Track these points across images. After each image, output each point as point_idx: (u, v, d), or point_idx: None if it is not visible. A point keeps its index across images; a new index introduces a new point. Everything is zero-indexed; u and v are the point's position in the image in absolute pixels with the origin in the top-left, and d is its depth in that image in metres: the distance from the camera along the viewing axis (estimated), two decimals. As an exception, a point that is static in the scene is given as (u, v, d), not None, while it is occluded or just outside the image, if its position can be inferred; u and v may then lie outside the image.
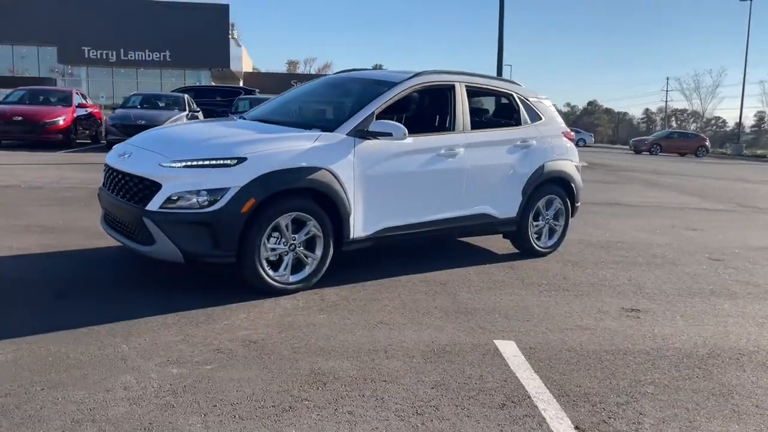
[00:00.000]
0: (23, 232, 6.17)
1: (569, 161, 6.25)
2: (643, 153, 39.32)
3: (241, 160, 4.31)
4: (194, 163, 4.31)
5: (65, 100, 17.82)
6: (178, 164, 4.32)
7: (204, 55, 46.07)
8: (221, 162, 4.30)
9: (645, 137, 45.09)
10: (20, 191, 8.83)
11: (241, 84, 51.27)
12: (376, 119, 4.96)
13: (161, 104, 18.85)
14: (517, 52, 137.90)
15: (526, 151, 5.90)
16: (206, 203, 4.21)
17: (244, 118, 5.74)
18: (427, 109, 6.26)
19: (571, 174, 6.24)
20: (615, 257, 6.46)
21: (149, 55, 46.09)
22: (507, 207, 5.82)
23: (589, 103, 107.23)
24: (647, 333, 4.25)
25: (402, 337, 3.90)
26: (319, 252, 4.69)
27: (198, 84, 38.83)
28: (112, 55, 46.06)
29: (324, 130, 4.81)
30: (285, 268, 4.57)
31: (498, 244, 6.60)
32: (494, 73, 22.42)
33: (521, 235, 6.08)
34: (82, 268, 5.09)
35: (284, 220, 4.47)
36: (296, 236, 4.58)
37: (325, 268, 4.75)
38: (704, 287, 5.49)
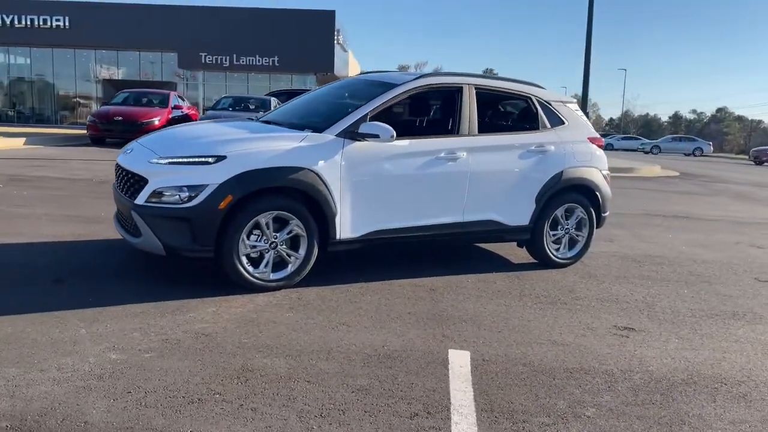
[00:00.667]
0: (64, 221, 6.66)
1: (594, 169, 5.93)
2: (765, 164, 36.41)
3: (220, 158, 4.44)
4: (178, 160, 4.48)
5: (163, 102, 19.04)
6: (164, 161, 4.51)
7: (310, 60, 47.45)
8: (202, 159, 4.44)
9: (767, 147, 41.68)
10: (88, 184, 9.52)
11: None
12: (372, 121, 4.94)
13: (251, 106, 19.61)
14: (637, 55, 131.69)
15: (542, 157, 5.66)
16: (186, 199, 4.36)
17: (259, 120, 5.89)
18: (431, 111, 6.16)
19: (597, 182, 5.92)
20: (644, 272, 6.05)
21: (259, 60, 48.05)
22: (517, 214, 5.61)
23: (719, 110, 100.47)
24: (626, 353, 3.96)
25: (354, 340, 3.86)
26: (302, 251, 4.74)
27: (305, 88, 40.06)
28: (225, 61, 48.45)
29: (315, 131, 4.86)
30: (266, 266, 4.65)
31: (517, 252, 6.36)
32: (585, 79, 21.57)
33: (536, 245, 5.84)
34: (92, 256, 5.42)
35: (264, 218, 4.55)
36: (278, 235, 4.65)
37: (308, 268, 4.79)
38: (727, 309, 5.04)
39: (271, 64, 48.72)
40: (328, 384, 3.26)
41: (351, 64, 59.78)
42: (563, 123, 5.90)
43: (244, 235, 4.51)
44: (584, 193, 5.99)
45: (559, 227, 5.91)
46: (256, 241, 4.60)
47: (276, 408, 2.98)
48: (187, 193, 4.37)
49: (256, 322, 4.07)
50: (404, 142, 5.06)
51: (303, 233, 4.71)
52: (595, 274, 5.84)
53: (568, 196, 5.86)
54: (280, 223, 4.67)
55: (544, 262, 5.91)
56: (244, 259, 4.56)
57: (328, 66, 48.98)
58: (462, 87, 5.47)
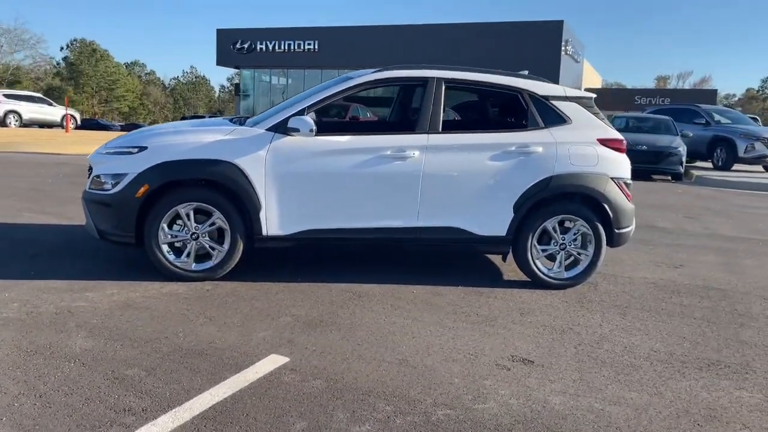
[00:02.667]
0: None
1: (601, 175, 5.00)
2: None
3: (142, 149, 4.66)
4: (113, 150, 4.80)
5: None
6: (104, 151, 4.86)
7: (533, 72, 46.27)
8: (127, 150, 4.70)
9: None
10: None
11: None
12: (318, 115, 4.81)
13: (646, 126, 17.45)
14: None
15: (524, 160, 4.93)
16: (111, 186, 4.66)
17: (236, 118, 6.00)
18: (390, 107, 5.69)
19: (604, 191, 4.98)
20: (661, 305, 4.92)
21: (482, 74, 48.38)
22: (489, 224, 4.96)
23: None
24: (470, 385, 3.31)
25: (194, 334, 3.80)
26: (226, 245, 4.75)
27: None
28: (450, 75, 49.62)
29: (253, 125, 4.85)
30: (188, 256, 4.74)
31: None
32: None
33: (519, 260, 5.11)
34: (85, 238, 5.96)
35: (184, 209, 4.66)
36: (200, 226, 4.72)
37: (232, 262, 4.78)
38: (711, 356, 3.91)
39: (492, 78, 48.80)
40: (86, 362, 3.30)
41: (589, 76, 57.16)
42: (564, 121, 5.07)
43: (164, 224, 4.66)
44: (585, 203, 5.08)
45: (553, 242, 5.08)
46: (179, 231, 4.71)
47: (11, 384, 3.05)
48: (111, 181, 4.66)
49: (134, 307, 4.19)
50: (343, 138, 4.80)
51: (226, 226, 4.72)
52: (589, 300, 4.91)
53: (561, 206, 5.02)
54: (206, 215, 4.72)
55: (534, 281, 5.14)
56: (165, 248, 4.71)
57: (552, 78, 47.25)
58: (427, 80, 5.01)
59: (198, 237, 4.74)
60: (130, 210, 4.61)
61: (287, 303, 4.42)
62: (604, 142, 5.08)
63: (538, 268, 5.08)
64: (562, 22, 46.74)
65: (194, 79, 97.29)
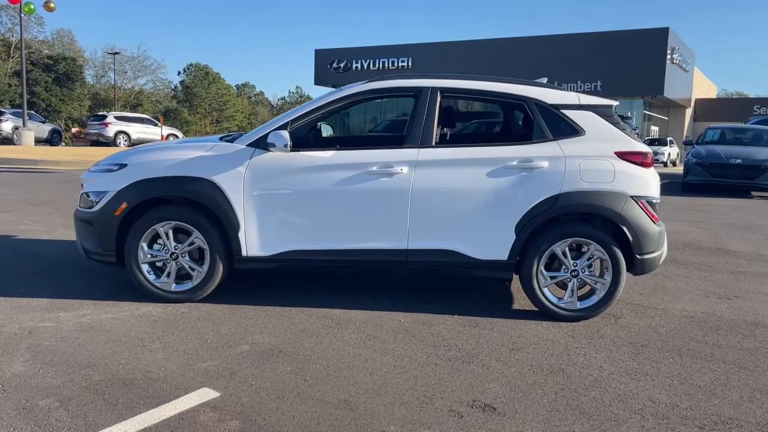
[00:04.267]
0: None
1: (618, 193, 4.40)
2: None
3: (122, 166, 4.57)
4: (99, 168, 4.75)
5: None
6: (95, 168, 4.82)
7: (637, 82, 44.22)
8: (109, 167, 4.64)
9: None
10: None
11: (688, 114, 47.64)
12: (303, 130, 4.59)
13: (745, 138, 15.96)
14: None
15: (526, 176, 4.43)
16: (93, 204, 4.61)
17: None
18: (380, 120, 5.25)
19: (620, 211, 4.38)
20: (688, 345, 4.23)
21: (581, 86, 46.44)
22: (487, 246, 4.48)
23: None
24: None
25: (136, 359, 3.62)
26: (205, 266, 4.57)
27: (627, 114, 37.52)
28: (547, 88, 48.18)
29: (232, 140, 4.67)
30: (167, 276, 4.60)
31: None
32: None
33: (525, 287, 4.59)
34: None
35: (163, 228, 4.53)
36: (180, 246, 4.56)
37: (213, 283, 4.59)
38: (724, 411, 3.26)
39: (593, 89, 46.73)
40: (12, 395, 3.12)
41: (701, 86, 53.81)
42: (577, 132, 4.52)
43: (143, 243, 4.54)
44: (600, 225, 4.50)
45: (563, 268, 4.52)
46: (158, 250, 4.58)
47: (-76, 407, 2.96)
48: (93, 199, 4.60)
49: (96, 329, 4.08)
50: (325, 154, 4.51)
51: (205, 246, 4.53)
52: (601, 336, 4.30)
53: (571, 229, 4.47)
54: (187, 235, 4.57)
55: (542, 312, 4.59)
56: (146, 267, 4.59)
57: (657, 88, 44.90)
58: (420, 90, 4.63)
59: (177, 257, 4.57)
60: (110, 228, 4.53)
61: (255, 329, 4.15)
62: (624, 156, 4.47)
63: (546, 297, 4.53)
64: (667, 29, 44.28)
65: (299, 99, 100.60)
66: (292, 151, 4.46)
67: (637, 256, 4.45)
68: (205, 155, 4.53)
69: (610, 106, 4.66)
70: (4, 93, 50.94)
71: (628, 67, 43.69)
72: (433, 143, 4.53)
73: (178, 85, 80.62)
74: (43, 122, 30.47)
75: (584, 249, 4.53)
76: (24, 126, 26.09)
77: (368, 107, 39.59)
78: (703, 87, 55.89)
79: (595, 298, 4.53)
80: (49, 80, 53.66)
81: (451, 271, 4.65)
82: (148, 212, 4.52)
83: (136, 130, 29.67)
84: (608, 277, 4.48)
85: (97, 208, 4.57)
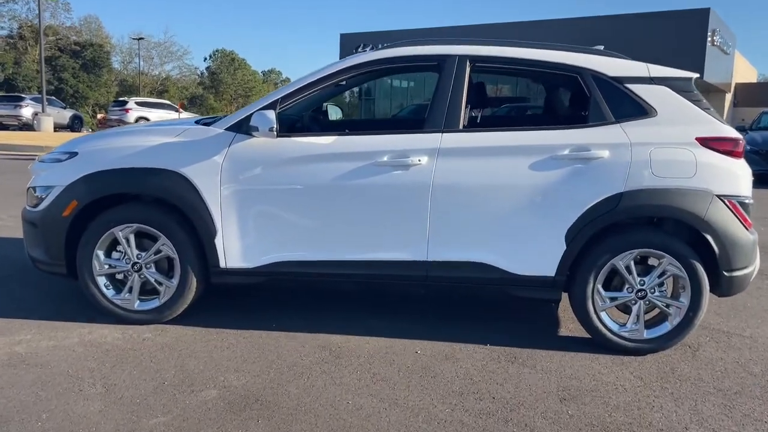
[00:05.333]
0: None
1: (701, 192, 3.38)
2: None
3: (72, 155, 3.69)
4: (50, 157, 3.88)
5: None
6: (45, 157, 3.95)
7: (676, 66, 42.19)
8: (57, 157, 3.76)
9: None
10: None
11: (728, 99, 45.67)
12: (285, 110, 3.63)
13: None
14: None
15: (580, 169, 3.43)
16: (37, 201, 3.74)
17: None
18: (394, 98, 4.25)
19: (704, 215, 3.36)
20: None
21: (616, 70, 44.92)
22: (529, 258, 3.51)
23: None
24: None
25: (62, 413, 2.75)
26: (175, 280, 3.67)
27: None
28: (581, 73, 46.48)
29: (209, 123, 3.74)
30: (130, 292, 3.71)
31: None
32: None
33: (577, 311, 3.60)
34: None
35: (123, 233, 3.65)
36: (144, 254, 3.67)
37: (185, 301, 3.70)
38: None
39: (628, 73, 44.91)
40: None
41: (742, 70, 51.51)
42: (646, 113, 3.50)
43: (99, 251, 3.67)
44: (676, 233, 3.50)
45: (626, 287, 3.53)
46: (118, 260, 3.69)
47: None
48: (39, 195, 3.74)
49: (29, 363, 3.23)
50: (324, 140, 3.57)
51: (174, 255, 3.63)
52: (678, 377, 3.30)
53: (638, 237, 3.47)
54: (154, 241, 3.68)
55: (597, 341, 3.61)
56: (102, 281, 3.71)
57: (696, 71, 42.88)
58: (445, 60, 3.64)
59: (141, 268, 3.68)
60: (57, 232, 3.66)
61: (230, 364, 3.24)
62: (708, 143, 3.44)
63: (604, 324, 3.54)
64: (708, 10, 42.31)
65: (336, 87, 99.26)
66: (281, 136, 3.53)
67: (725, 273, 3.42)
68: (173, 142, 3.62)
69: (689, 79, 3.63)
70: (32, 79, 50.90)
71: (666, 49, 41.68)
72: (461, 127, 3.55)
73: (204, 71, 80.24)
74: (64, 108, 30.00)
75: (654, 263, 3.53)
76: (43, 111, 25.57)
77: (396, 91, 38.44)
78: (743, 71, 53.57)
79: (667, 326, 3.53)
80: (76, 66, 53.55)
81: (481, 289, 3.66)
82: (104, 213, 3.63)
83: (157, 116, 28.98)
84: (685, 298, 3.47)
85: (42, 206, 3.70)
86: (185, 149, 3.59)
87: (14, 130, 25.26)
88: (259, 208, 3.57)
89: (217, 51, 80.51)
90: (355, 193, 3.52)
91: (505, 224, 3.48)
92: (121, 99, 31.65)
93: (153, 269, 3.70)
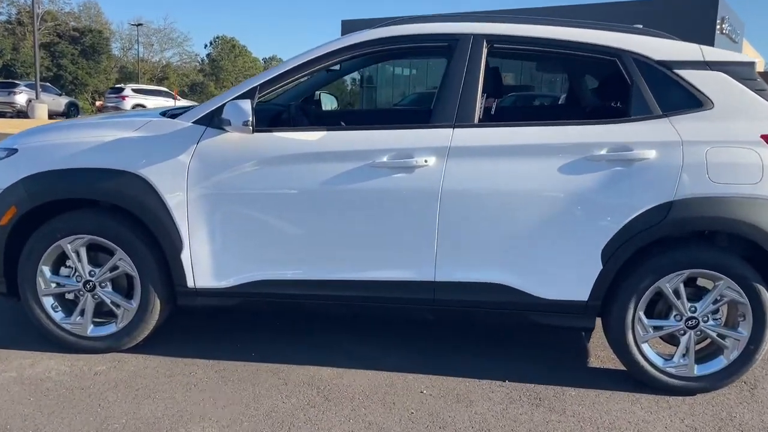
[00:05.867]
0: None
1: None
2: None
3: (11, 152, 3.10)
4: (-12, 155, 3.27)
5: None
6: None
7: (683, 55, 41.57)
8: (-4, 155, 3.16)
9: None
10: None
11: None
12: (265, 99, 3.03)
13: None
14: None
15: (621, 172, 2.83)
16: (-27, 208, 3.14)
17: None
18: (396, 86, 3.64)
19: (774, 230, 2.77)
20: None
21: (623, 58, 44.12)
22: (558, 280, 2.92)
23: None
24: None
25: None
26: (135, 301, 3.09)
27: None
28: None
29: (175, 115, 3.14)
30: (82, 315, 3.14)
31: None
32: None
33: (613, 341, 3.02)
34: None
35: (72, 245, 3.06)
36: (98, 271, 3.08)
37: (148, 326, 3.13)
38: None
39: (636, 62, 44.10)
40: None
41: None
42: (700, 105, 2.89)
43: (44, 267, 3.09)
44: (736, 249, 2.90)
45: (673, 314, 2.93)
46: (67, 277, 3.11)
47: None
48: (-26, 200, 3.13)
49: (-49, 406, 2.61)
50: (309, 135, 2.97)
51: (134, 273, 3.05)
52: (740, 424, 2.72)
53: (689, 254, 2.87)
54: (110, 254, 3.09)
55: (638, 378, 3.02)
56: (49, 301, 3.14)
57: (704, 63, 42.11)
58: (457, 40, 3.02)
59: (95, 287, 3.10)
60: (-6, 244, 3.06)
61: (196, 410, 2.66)
62: (777, 142, 2.83)
63: (646, 357, 2.96)
64: (718, -4, 41.48)
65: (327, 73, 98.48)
66: (259, 130, 2.93)
67: (797, 300, 2.83)
68: (131, 137, 3.02)
69: (752, 64, 3.02)
70: (31, 65, 50.19)
71: (673, 36, 41.02)
72: (475, 121, 2.95)
73: (205, 58, 79.46)
74: (60, 95, 29.34)
75: (707, 286, 2.94)
76: (37, 98, 24.93)
77: (398, 79, 37.65)
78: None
79: (722, 361, 2.94)
80: (75, 53, 52.84)
81: (498, 315, 3.06)
82: (50, 221, 3.04)
83: (154, 104, 28.32)
84: (745, 329, 2.88)
85: (-24, 213, 3.10)
86: (145, 146, 2.99)
87: (10, 117, 24.66)
88: (233, 217, 2.99)
89: (217, 38, 79.82)
90: (347, 201, 2.93)
91: (529, 238, 2.89)
92: (117, 86, 31.03)
93: (109, 288, 3.12)
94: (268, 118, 3.44)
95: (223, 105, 2.93)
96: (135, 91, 29.18)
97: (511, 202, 2.88)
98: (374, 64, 3.41)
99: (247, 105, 2.83)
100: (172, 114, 3.25)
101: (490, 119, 3.12)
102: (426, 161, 2.87)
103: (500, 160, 2.88)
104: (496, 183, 2.88)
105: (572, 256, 2.88)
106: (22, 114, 25.61)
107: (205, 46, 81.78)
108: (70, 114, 28.40)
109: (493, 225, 2.90)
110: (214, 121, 2.98)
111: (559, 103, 4.10)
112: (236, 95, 2.99)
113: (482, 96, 3.03)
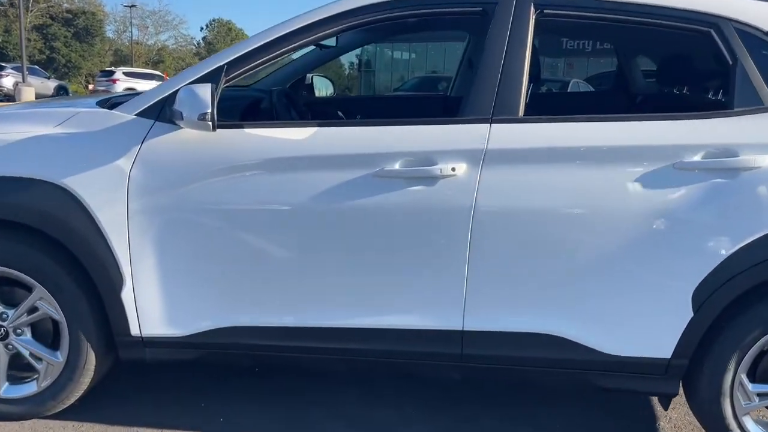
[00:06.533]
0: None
1: None
2: None
3: None
4: None
5: None
6: None
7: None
8: None
9: None
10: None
11: None
12: (233, 84, 2.24)
13: None
14: None
15: (720, 186, 2.05)
16: None
17: None
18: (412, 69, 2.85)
19: None
20: None
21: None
22: (631, 331, 2.15)
23: None
24: None
25: None
26: (62, 354, 2.31)
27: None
28: (588, 46, 44.77)
29: (118, 105, 2.34)
30: (-9, 371, 2.35)
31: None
32: None
33: (698, 409, 2.25)
34: None
35: (-25, 280, 2.26)
36: (11, 313, 2.30)
37: (79, 386, 2.36)
38: None
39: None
40: None
41: None
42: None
43: (-62, 308, 2.29)
44: None
45: (789, 378, 2.17)
46: (-28, 321, 2.33)
47: None
48: None
49: None
50: (298, 133, 2.18)
51: (60, 317, 2.27)
52: None
53: (813, 300, 2.09)
54: (28, 291, 2.30)
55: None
56: (-53, 353, 2.34)
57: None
58: (496, 2, 2.22)
59: (8, 334, 2.32)
60: None
61: None
62: None
63: (748, 435, 2.19)
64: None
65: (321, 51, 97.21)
66: (224, 126, 2.14)
67: None
68: (51, 134, 2.24)
69: None
70: (24, 47, 49.17)
71: None
72: (520, 114, 2.15)
73: (201, 41, 78.15)
74: (48, 78, 28.43)
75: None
76: (24, 81, 24.02)
77: (397, 63, 36.60)
78: None
79: None
80: (68, 35, 51.73)
81: (547, 375, 2.28)
82: (-56, 248, 2.26)
83: (146, 87, 27.46)
84: None
85: None
86: (70, 147, 2.21)
87: (-1, 100, 23.83)
88: (192, 243, 2.21)
89: (213, 20, 78.59)
90: (345, 224, 2.15)
91: (594, 275, 2.12)
92: (108, 69, 30.10)
93: (27, 336, 2.34)
94: (241, 109, 2.65)
95: (175, 92, 2.13)
96: (126, 74, 28.24)
97: (569, 225, 2.11)
98: (379, 41, 2.67)
99: (206, 92, 2.03)
100: (114, 103, 2.45)
101: (538, 111, 2.33)
102: (453, 169, 2.08)
103: (555, 168, 2.10)
104: (549, 199, 2.10)
105: (652, 300, 2.12)
106: (9, 98, 24.74)
107: (201, 29, 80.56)
108: (60, 98, 27.49)
109: (544, 256, 2.13)
110: (164, 112, 2.18)
111: (630, 91, 3.27)
112: (194, 78, 2.20)
113: (528, 81, 2.23)
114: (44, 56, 49.25)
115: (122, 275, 2.20)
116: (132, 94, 2.64)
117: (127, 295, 2.22)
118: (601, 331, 2.15)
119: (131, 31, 58.47)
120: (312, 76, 3.60)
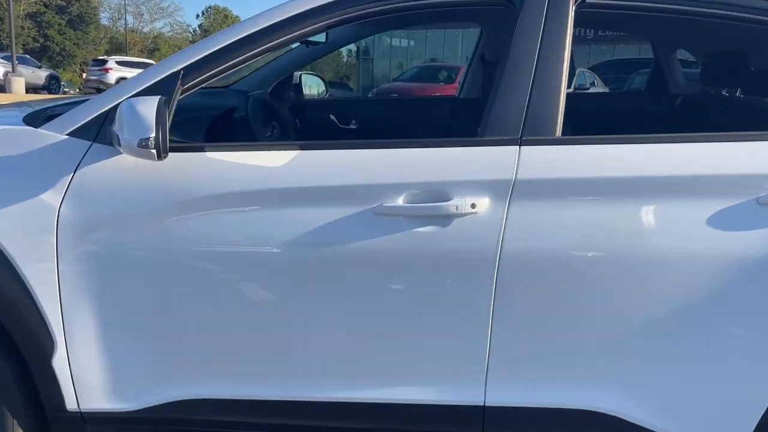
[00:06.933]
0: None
1: None
2: None
3: None
4: None
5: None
6: None
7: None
8: None
9: None
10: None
11: None
12: (197, 86, 1.76)
13: None
14: None
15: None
16: None
17: None
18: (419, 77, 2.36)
19: None
20: None
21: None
22: (700, 411, 1.68)
23: None
24: None
25: None
26: (-19, 431, 1.84)
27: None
28: (590, 33, 44.13)
29: (49, 120, 1.86)
30: None
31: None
32: None
33: None
34: None
35: None
36: None
37: (5, 472, 1.86)
38: None
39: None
40: None
41: None
42: None
43: None
44: None
45: None
46: None
47: None
48: None
49: None
50: (273, 159, 1.69)
51: (-24, 388, 1.80)
52: None
53: None
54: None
55: None
56: None
57: None
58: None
59: None
60: None
61: None
62: None
63: None
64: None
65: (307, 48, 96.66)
66: (179, 149, 1.67)
67: None
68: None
69: None
70: (17, 36, 48.46)
71: None
72: (557, 134, 1.67)
73: (197, 28, 77.32)
74: (39, 67, 27.83)
75: None
76: (14, 71, 23.43)
77: (396, 51, 36.02)
78: None
79: None
80: (62, 23, 51.05)
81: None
82: None
83: (141, 77, 26.88)
84: None
85: None
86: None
87: (-11, 90, 23.28)
88: (138, 297, 1.74)
89: (209, 8, 77.78)
90: (336, 274, 1.68)
91: (655, 339, 1.66)
92: (100, 58, 29.50)
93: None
94: (208, 123, 2.17)
95: (114, 108, 1.65)
96: (119, 63, 27.62)
97: (623, 276, 1.63)
98: (377, 33, 2.20)
99: (150, 109, 1.54)
100: (50, 115, 1.96)
101: (577, 131, 1.84)
102: (473, 206, 1.61)
103: (604, 203, 1.62)
104: (597, 244, 1.63)
105: (730, 372, 1.65)
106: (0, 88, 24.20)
107: (197, 16, 79.65)
108: (51, 88, 26.90)
109: (590, 314, 1.65)
110: (104, 131, 1.71)
111: (688, 101, 2.79)
112: (140, 88, 1.72)
113: (566, 90, 1.75)
114: (38, 44, 48.64)
115: (53, 338, 1.74)
116: (71, 100, 2.15)
117: (59, 363, 1.76)
118: (664, 409, 1.69)
119: (126, 19, 57.65)
120: (300, 75, 3.11)
